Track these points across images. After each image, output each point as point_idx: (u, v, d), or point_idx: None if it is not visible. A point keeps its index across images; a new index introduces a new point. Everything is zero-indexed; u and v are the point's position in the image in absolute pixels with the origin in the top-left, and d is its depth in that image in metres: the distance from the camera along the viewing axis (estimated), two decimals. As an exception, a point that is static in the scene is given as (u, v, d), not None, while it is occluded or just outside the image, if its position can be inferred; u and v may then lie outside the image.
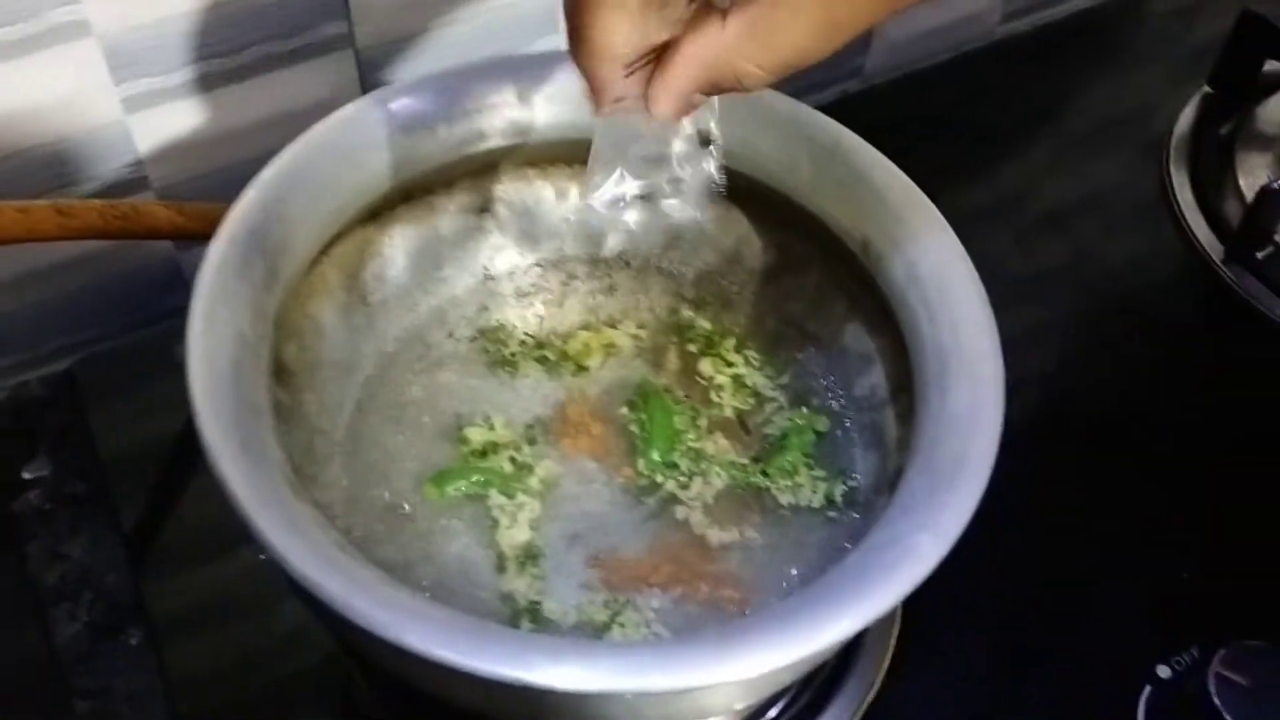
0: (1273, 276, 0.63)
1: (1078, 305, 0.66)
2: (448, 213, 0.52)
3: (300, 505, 0.38)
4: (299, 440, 0.46)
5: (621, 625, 0.45)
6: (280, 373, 0.45)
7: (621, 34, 0.34)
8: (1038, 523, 0.57)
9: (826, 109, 0.76)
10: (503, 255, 0.54)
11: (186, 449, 0.55)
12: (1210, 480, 0.59)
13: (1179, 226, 0.65)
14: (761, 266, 0.54)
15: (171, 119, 0.58)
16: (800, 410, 0.51)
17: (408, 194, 0.50)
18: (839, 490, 0.49)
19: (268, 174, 0.44)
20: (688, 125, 0.40)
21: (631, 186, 0.42)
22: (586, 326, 0.54)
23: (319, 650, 0.51)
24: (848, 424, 0.51)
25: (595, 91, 0.36)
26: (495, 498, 0.48)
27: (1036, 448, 0.60)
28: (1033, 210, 0.71)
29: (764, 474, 0.50)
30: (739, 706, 0.48)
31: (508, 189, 0.53)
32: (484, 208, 0.53)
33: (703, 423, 0.51)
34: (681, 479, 0.49)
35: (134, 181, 0.59)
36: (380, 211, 0.50)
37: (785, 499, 0.49)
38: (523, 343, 0.52)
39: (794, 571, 0.47)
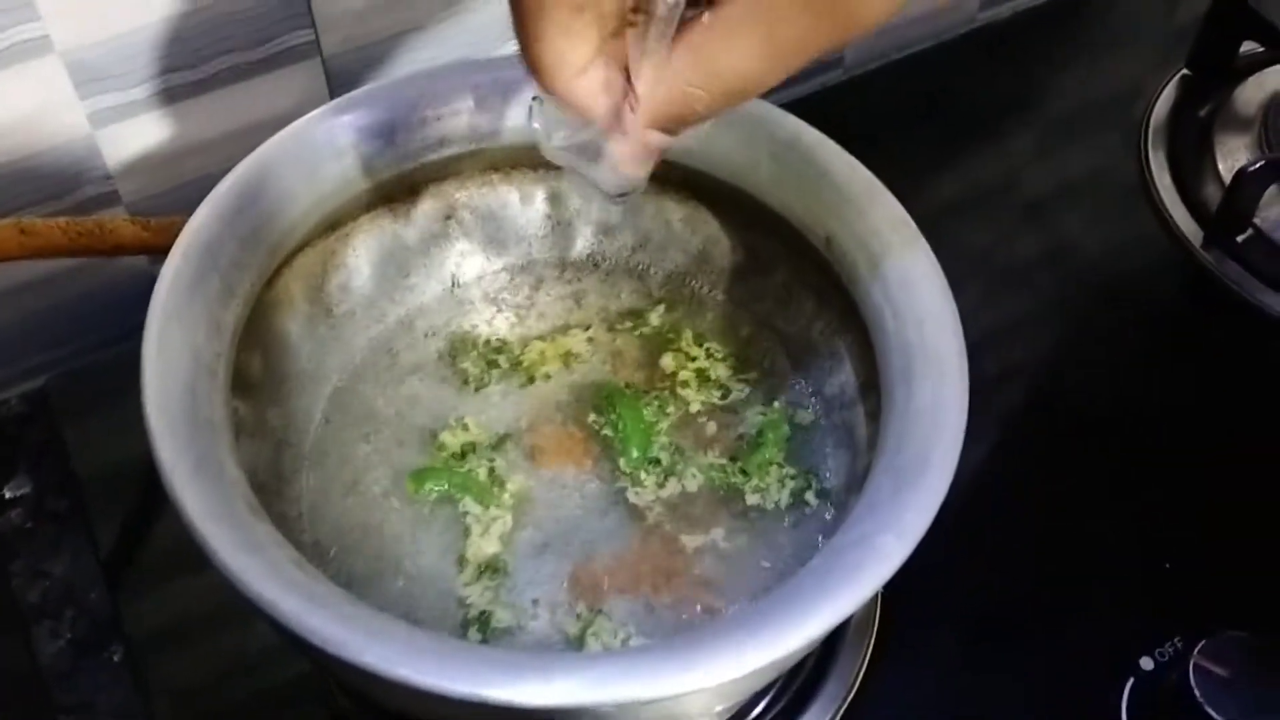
0: (1253, 261, 0.62)
1: (1059, 294, 0.65)
2: (412, 220, 0.52)
3: (258, 524, 0.38)
4: (264, 455, 0.46)
5: (595, 635, 0.45)
6: (243, 387, 0.45)
7: (573, 55, 0.33)
8: (1019, 515, 0.57)
9: (807, 101, 0.77)
10: (470, 261, 0.54)
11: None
12: (1194, 469, 0.58)
13: (1158, 212, 0.64)
14: (730, 266, 0.53)
15: (139, 133, 0.58)
16: (774, 406, 0.51)
17: (370, 203, 0.50)
18: (812, 489, 0.49)
19: (222, 189, 0.44)
20: None
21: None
22: (556, 330, 0.53)
23: (298, 664, 0.51)
24: (820, 422, 0.50)
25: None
26: (470, 505, 0.48)
27: (1018, 439, 0.60)
28: (1014, 198, 0.71)
29: (742, 473, 0.49)
30: (719, 709, 0.48)
31: (472, 194, 0.52)
32: (449, 214, 0.52)
33: (671, 412, 0.51)
34: (662, 475, 0.49)
35: (105, 196, 0.59)
36: (343, 221, 0.50)
37: (759, 499, 0.49)
38: (486, 355, 0.52)
39: (770, 571, 0.47)
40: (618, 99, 0.33)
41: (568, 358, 0.52)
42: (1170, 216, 0.64)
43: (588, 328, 0.53)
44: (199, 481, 0.37)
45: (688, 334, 0.53)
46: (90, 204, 0.59)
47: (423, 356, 0.52)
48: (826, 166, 0.48)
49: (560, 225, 0.54)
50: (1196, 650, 0.48)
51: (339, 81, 0.61)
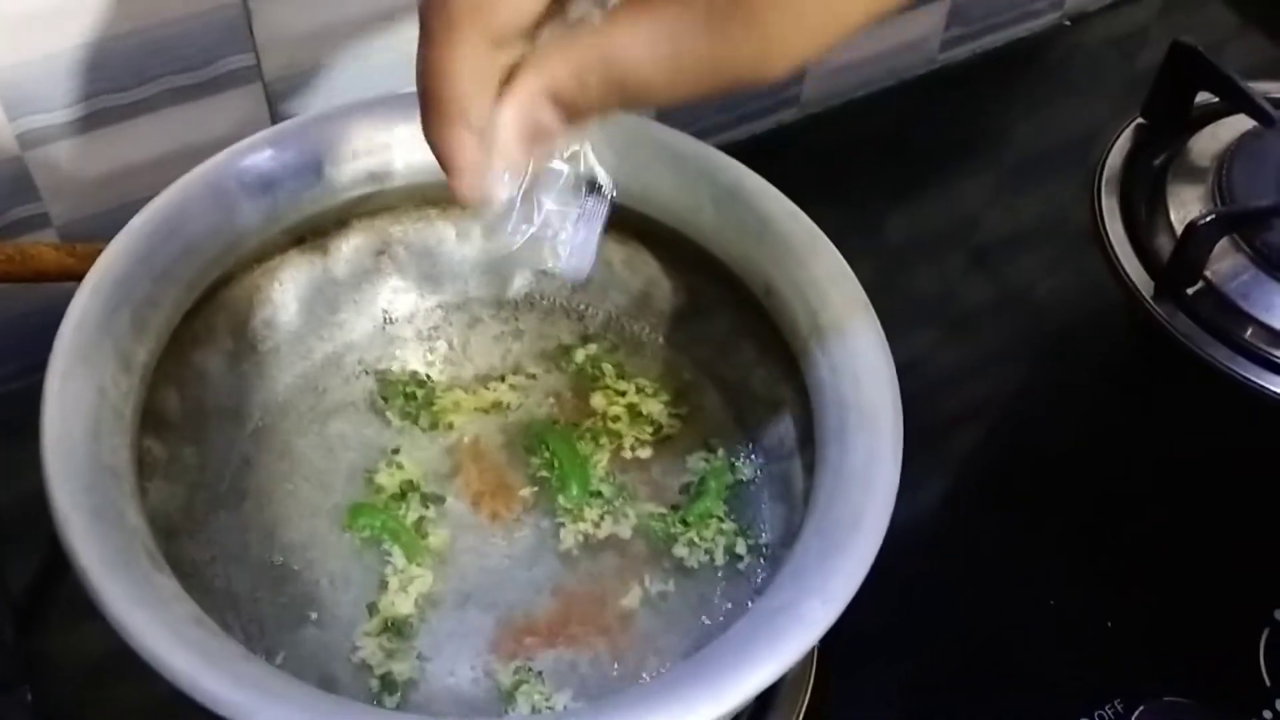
0: (1203, 314, 0.61)
1: (1009, 341, 0.65)
2: (342, 255, 0.50)
3: (157, 575, 0.36)
4: (177, 496, 0.44)
5: (524, 694, 0.44)
6: (157, 425, 0.44)
7: (476, 86, 0.32)
8: (959, 567, 0.56)
9: (763, 138, 0.76)
10: (403, 299, 0.52)
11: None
12: (1139, 525, 0.58)
13: (1109, 262, 0.63)
14: (671, 309, 0.52)
15: (71, 155, 0.56)
16: (716, 455, 0.50)
17: (299, 237, 0.49)
18: (748, 544, 0.47)
19: (137, 223, 0.42)
20: (567, 171, 0.38)
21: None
22: (490, 371, 0.52)
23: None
24: (758, 475, 0.49)
25: (451, 169, 0.33)
26: (396, 555, 0.46)
27: (963, 490, 0.59)
28: (967, 242, 0.71)
29: (683, 523, 0.48)
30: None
31: (407, 229, 0.51)
32: (382, 250, 0.51)
33: (605, 444, 0.50)
34: (603, 508, 0.48)
35: (33, 219, 0.57)
36: (269, 256, 0.48)
37: (696, 552, 0.47)
38: (415, 395, 0.50)
39: (704, 628, 0.46)
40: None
41: (498, 400, 0.51)
42: (1121, 267, 0.63)
43: (520, 369, 0.52)
44: (96, 530, 0.36)
45: (614, 371, 0.52)
46: (19, 226, 0.57)
47: (351, 395, 0.50)
48: (768, 214, 0.47)
49: (497, 263, 0.53)
50: (1135, 715, 0.47)
51: (281, 106, 0.60)
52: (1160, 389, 0.63)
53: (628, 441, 0.50)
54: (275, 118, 0.60)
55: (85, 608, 0.52)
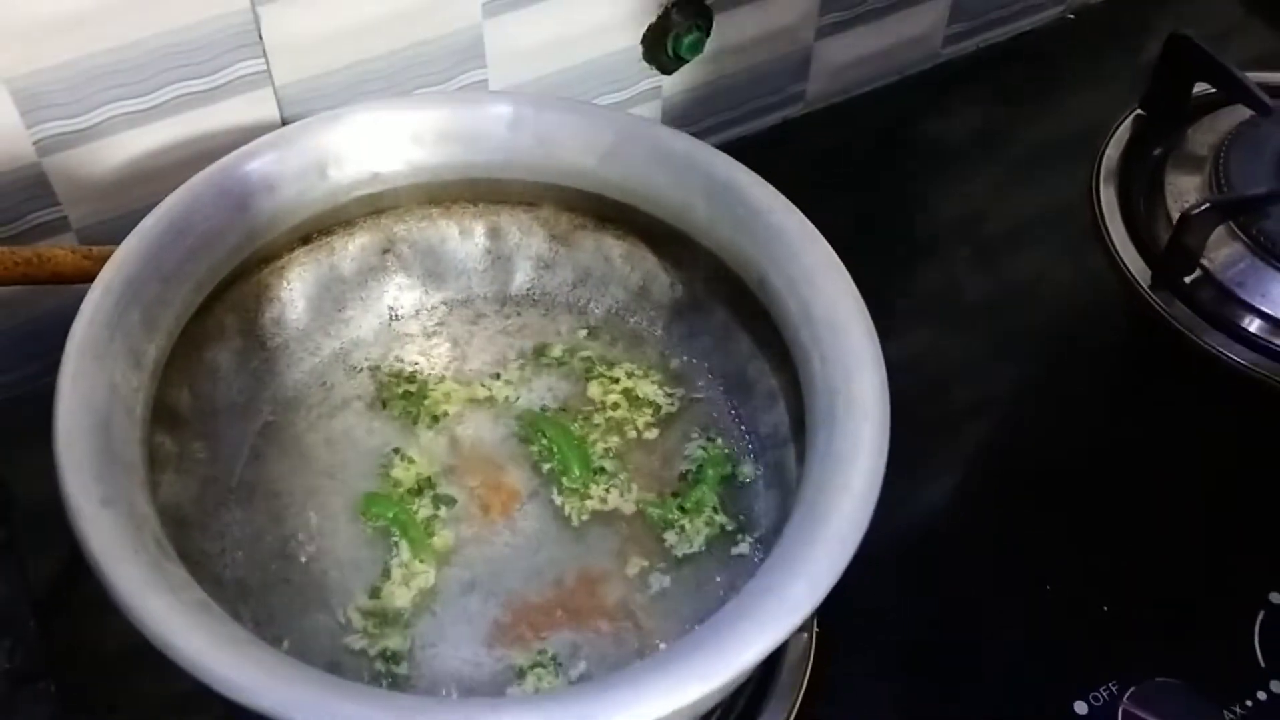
0: (1200, 302, 0.62)
1: (1012, 334, 0.65)
2: (349, 254, 0.52)
3: (166, 563, 0.38)
4: (188, 489, 0.46)
5: (527, 674, 0.45)
6: (169, 420, 0.45)
7: None
8: (960, 553, 0.57)
9: (767, 134, 0.77)
10: (408, 295, 0.54)
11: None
12: (1137, 512, 0.58)
13: (1108, 252, 0.64)
14: (669, 303, 0.53)
15: (88, 160, 0.58)
16: (715, 443, 0.51)
17: (305, 236, 0.50)
18: (743, 529, 0.49)
19: (147, 224, 0.44)
20: None
21: None
22: (495, 364, 0.53)
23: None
24: (755, 461, 0.50)
25: None
26: (403, 550, 0.48)
27: (963, 478, 0.60)
28: (972, 236, 0.71)
29: (680, 509, 0.49)
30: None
31: (411, 228, 0.52)
32: (387, 248, 0.52)
33: (600, 424, 0.51)
34: (607, 484, 0.49)
35: (54, 223, 0.59)
36: (277, 255, 0.50)
37: (693, 536, 0.49)
38: (420, 389, 0.52)
39: (700, 608, 0.47)
40: None
41: (500, 394, 0.52)
42: (1120, 257, 0.64)
43: (522, 363, 0.53)
44: (106, 519, 0.37)
45: (607, 360, 0.53)
46: (40, 230, 0.59)
47: (357, 390, 0.52)
48: (760, 208, 0.48)
49: (500, 260, 0.54)
50: (1126, 697, 0.48)
51: (292, 110, 0.61)
52: (1158, 377, 0.63)
53: (629, 428, 0.51)
54: (287, 122, 0.61)
55: (107, 601, 0.54)
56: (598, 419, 0.51)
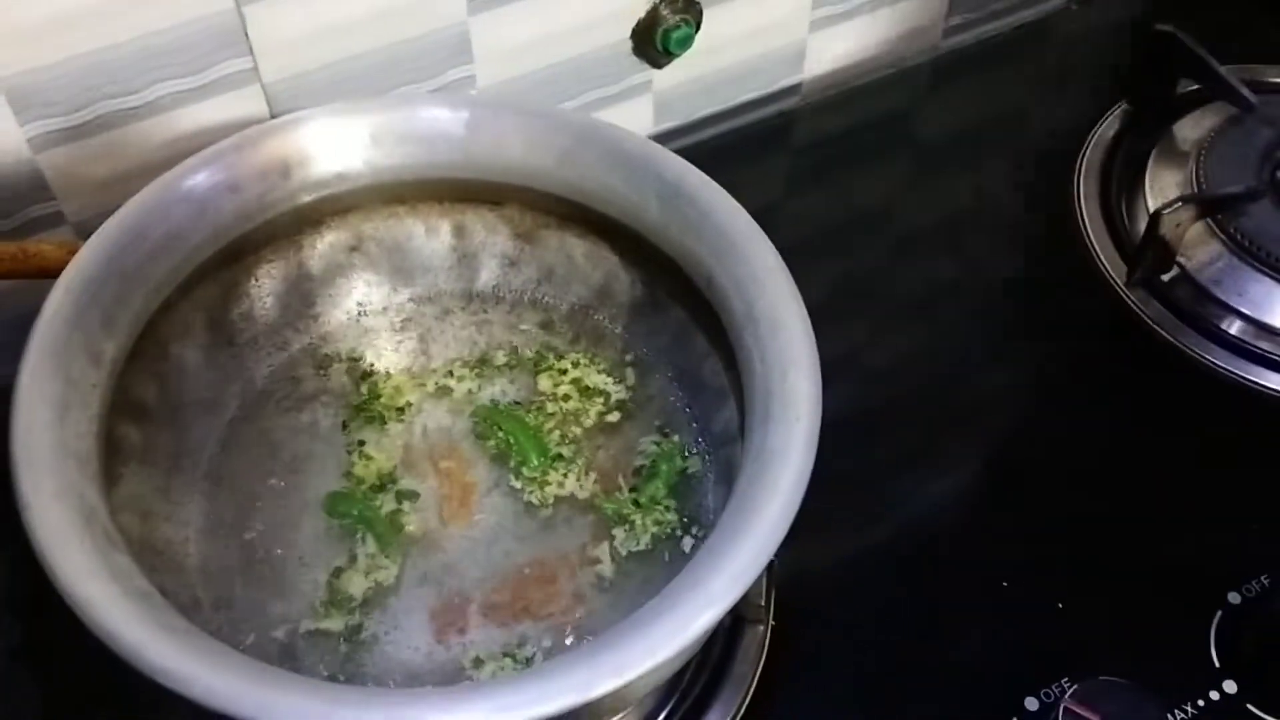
0: (1177, 301, 0.61)
1: (988, 326, 0.65)
2: (317, 252, 0.53)
3: (114, 554, 0.39)
4: (153, 480, 0.47)
5: (485, 664, 0.46)
6: (136, 413, 0.47)
7: None
8: (918, 546, 0.57)
9: (764, 125, 0.77)
10: (376, 292, 0.55)
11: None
12: (1099, 508, 0.58)
13: (1085, 248, 0.64)
14: (629, 301, 0.54)
15: (81, 158, 0.59)
16: (670, 439, 0.52)
17: (272, 235, 0.51)
18: (691, 525, 0.50)
19: (109, 226, 0.45)
20: None
21: None
22: (462, 360, 0.54)
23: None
24: (705, 458, 0.51)
25: None
26: (369, 543, 0.49)
27: (928, 472, 0.60)
28: (975, 230, 0.70)
29: (635, 504, 0.50)
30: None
31: (378, 226, 0.54)
32: (354, 245, 0.54)
33: (555, 413, 0.52)
34: (565, 470, 0.51)
35: (49, 217, 0.61)
36: (245, 253, 0.51)
37: (642, 530, 0.50)
38: (385, 386, 0.53)
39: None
40: None
41: (461, 389, 0.53)
42: (1097, 253, 0.64)
43: (486, 359, 0.54)
44: (54, 510, 0.39)
45: (557, 351, 0.54)
46: (37, 224, 0.60)
47: (325, 385, 0.53)
48: (709, 209, 0.49)
49: (466, 257, 0.55)
50: (1069, 694, 0.48)
51: (282, 106, 0.62)
52: (1131, 376, 0.63)
53: (584, 417, 0.53)
54: (276, 117, 0.62)
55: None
56: (551, 408, 0.53)
